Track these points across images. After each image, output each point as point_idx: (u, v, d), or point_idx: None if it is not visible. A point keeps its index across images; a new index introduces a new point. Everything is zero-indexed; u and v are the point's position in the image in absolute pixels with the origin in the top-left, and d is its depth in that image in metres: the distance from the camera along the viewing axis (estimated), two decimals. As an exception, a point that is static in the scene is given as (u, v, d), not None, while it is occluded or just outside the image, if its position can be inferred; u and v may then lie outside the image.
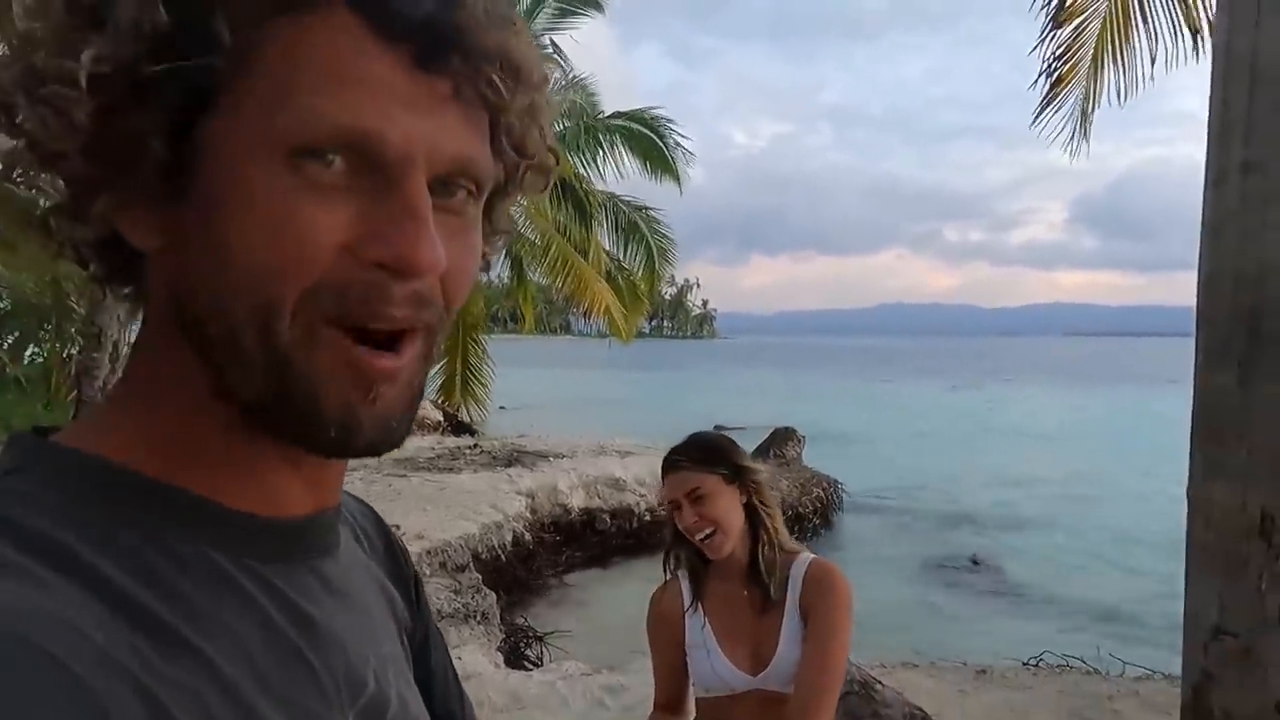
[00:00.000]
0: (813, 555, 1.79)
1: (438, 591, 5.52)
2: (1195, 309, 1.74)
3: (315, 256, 0.40)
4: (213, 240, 0.40)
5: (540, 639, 6.26)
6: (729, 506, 1.71)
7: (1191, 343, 1.77)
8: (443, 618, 5.18)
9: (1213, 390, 1.66)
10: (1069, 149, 6.16)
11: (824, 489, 11.87)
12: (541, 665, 5.47)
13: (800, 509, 10.66)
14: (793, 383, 49.46)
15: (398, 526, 7.26)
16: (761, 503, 1.76)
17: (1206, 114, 1.68)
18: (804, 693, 1.60)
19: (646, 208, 21.86)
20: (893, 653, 5.82)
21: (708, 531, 1.70)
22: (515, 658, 5.77)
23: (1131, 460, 18.95)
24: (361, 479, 9.36)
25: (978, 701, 4.45)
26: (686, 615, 1.80)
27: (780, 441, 12.29)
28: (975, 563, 10.28)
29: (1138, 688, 4.73)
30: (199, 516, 0.43)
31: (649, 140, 20.19)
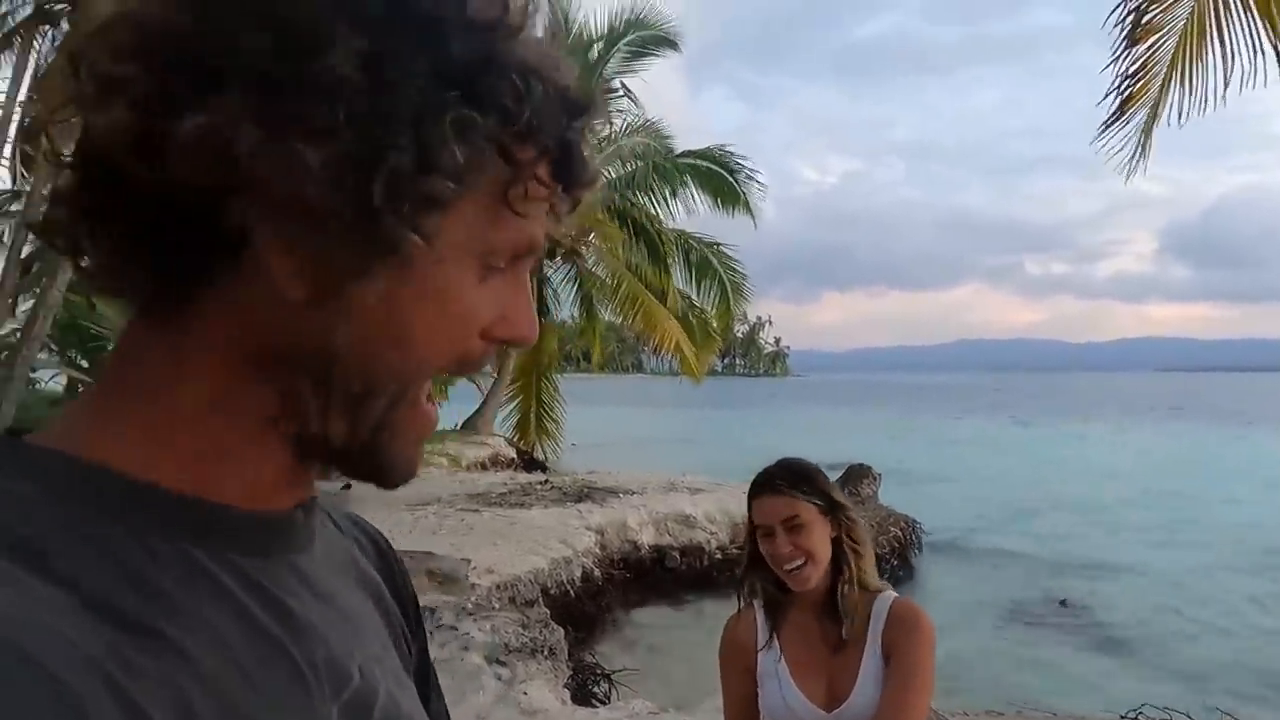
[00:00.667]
0: (895, 594, 1.74)
1: (505, 625, 5.52)
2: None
3: (470, 343, 0.46)
4: (393, 318, 0.43)
5: (608, 677, 6.19)
6: (821, 538, 1.68)
7: None
8: (510, 651, 5.18)
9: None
10: (1128, 169, 5.91)
11: (901, 529, 11.49)
12: (609, 703, 5.39)
13: (877, 550, 10.28)
14: (865, 420, 48.41)
15: (469, 560, 7.35)
16: (851, 540, 1.72)
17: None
18: None
19: (718, 244, 21.92)
20: (977, 700, 5.55)
21: (799, 563, 1.66)
22: (582, 695, 5.71)
23: (1226, 500, 17.84)
24: (435, 513, 9.50)
25: (1069, 753, 4.19)
26: (760, 645, 1.75)
27: (855, 479, 11.98)
28: (1064, 606, 9.77)
29: (1247, 744, 4.37)
30: (178, 513, 0.43)
31: (720, 177, 20.32)
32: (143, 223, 0.41)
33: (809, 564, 1.66)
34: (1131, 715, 5.31)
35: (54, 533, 0.39)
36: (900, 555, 11.11)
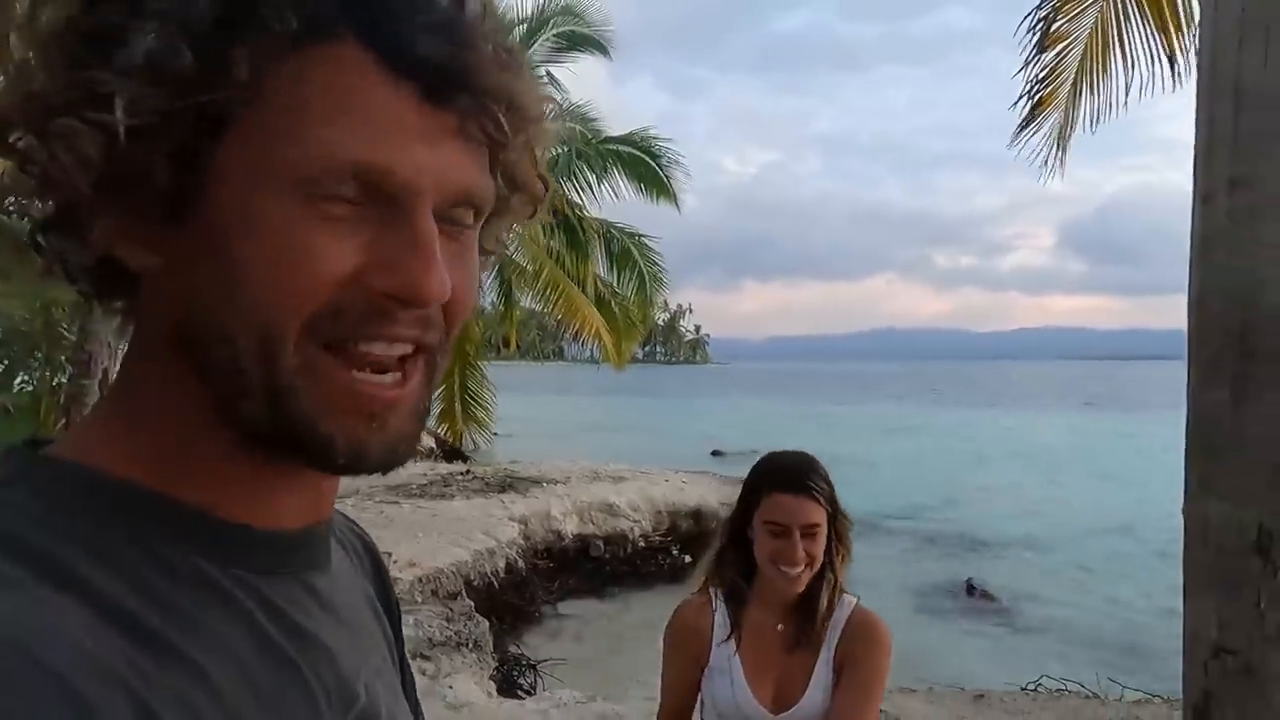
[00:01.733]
0: (855, 600, 1.71)
1: (429, 620, 5.45)
2: (1187, 328, 1.74)
3: (320, 285, 0.40)
4: (219, 266, 0.40)
5: (534, 667, 6.19)
6: (824, 544, 1.62)
7: (1178, 365, 1.76)
8: (434, 645, 5.12)
9: (1206, 408, 1.66)
10: (1045, 172, 6.33)
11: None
12: (535, 694, 5.39)
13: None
14: (782, 407, 49.44)
15: (389, 554, 7.22)
16: (842, 545, 1.68)
17: (1193, 134, 1.70)
18: None
19: (639, 234, 21.98)
20: (891, 678, 5.75)
21: (801, 569, 1.60)
22: (509, 686, 5.69)
23: (1124, 483, 18.97)
24: (354, 505, 9.28)
25: (976, 727, 4.40)
26: (717, 639, 1.69)
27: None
28: (972, 587, 10.23)
29: (1138, 712, 4.68)
30: (192, 528, 0.43)
31: (643, 163, 20.32)
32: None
33: (808, 570, 1.60)
34: (1031, 686, 5.60)
35: (68, 544, 0.39)
36: (818, 540, 11.40)
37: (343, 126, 0.39)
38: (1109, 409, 48.31)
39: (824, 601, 1.64)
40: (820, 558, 1.61)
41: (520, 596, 8.14)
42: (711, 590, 1.74)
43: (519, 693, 5.61)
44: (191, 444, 0.43)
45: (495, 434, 22.07)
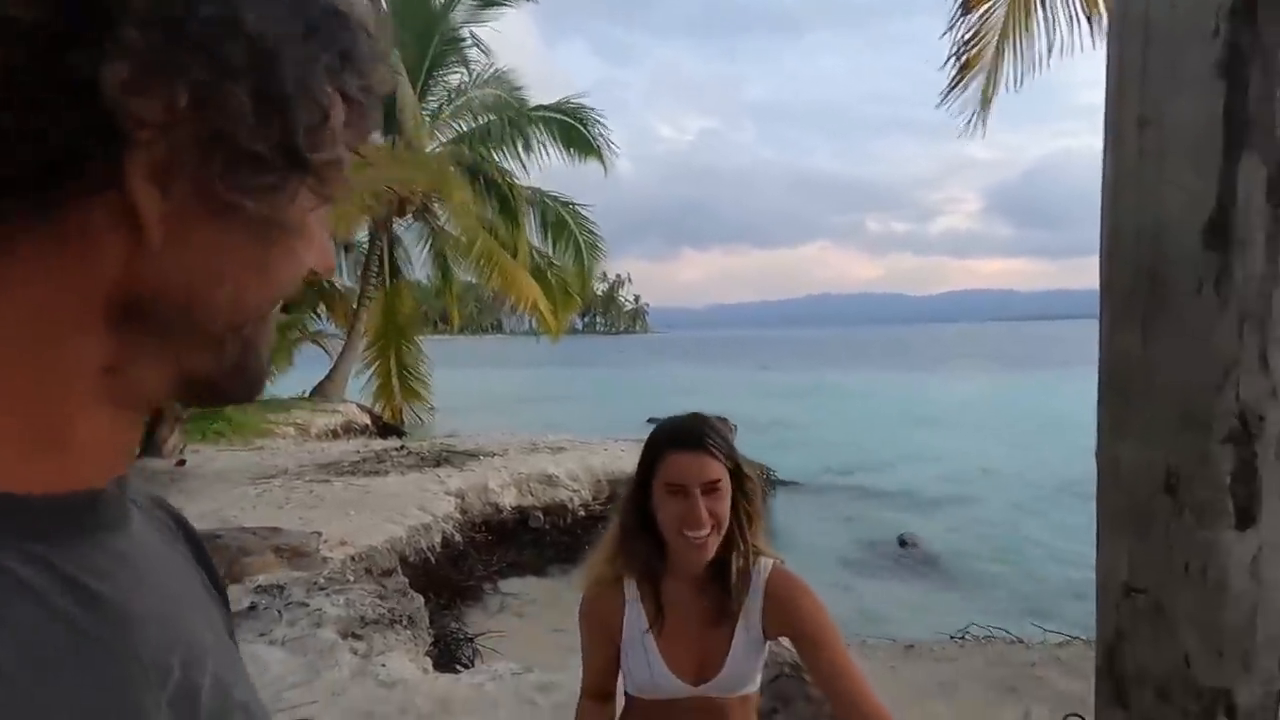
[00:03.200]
0: (772, 560, 1.64)
1: (361, 597, 5.33)
2: (1099, 271, 1.74)
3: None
4: (259, 255, 0.45)
5: (471, 641, 6.12)
6: (728, 504, 1.55)
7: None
8: (366, 624, 5.00)
9: (1117, 350, 1.66)
10: (971, 131, 6.56)
11: (756, 474, 11.94)
12: (472, 669, 5.33)
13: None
14: (722, 375, 49.91)
15: (319, 533, 7.03)
16: (748, 506, 1.61)
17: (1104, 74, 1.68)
18: (858, 708, 1.48)
19: (573, 203, 21.70)
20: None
21: (707, 531, 1.52)
22: (446, 661, 5.62)
23: (1050, 437, 19.70)
24: (282, 486, 9.02)
25: (906, 676, 4.51)
26: (627, 616, 1.64)
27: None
28: (903, 543, 10.50)
29: (1059, 653, 4.87)
30: None
31: (573, 128, 19.98)
32: None
33: (714, 533, 1.53)
34: (959, 636, 5.78)
35: None
36: (755, 502, 11.55)
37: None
38: (1035, 367, 50.06)
39: (735, 568, 1.59)
40: (725, 518, 1.55)
41: (458, 571, 8.04)
42: (619, 569, 1.67)
43: (457, 668, 5.54)
44: (26, 406, 0.41)
45: (433, 409, 21.83)
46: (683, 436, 1.57)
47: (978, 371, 50.24)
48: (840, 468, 16.12)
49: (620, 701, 1.79)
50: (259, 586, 5.65)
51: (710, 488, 1.52)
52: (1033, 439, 19.83)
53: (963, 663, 4.78)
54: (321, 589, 5.56)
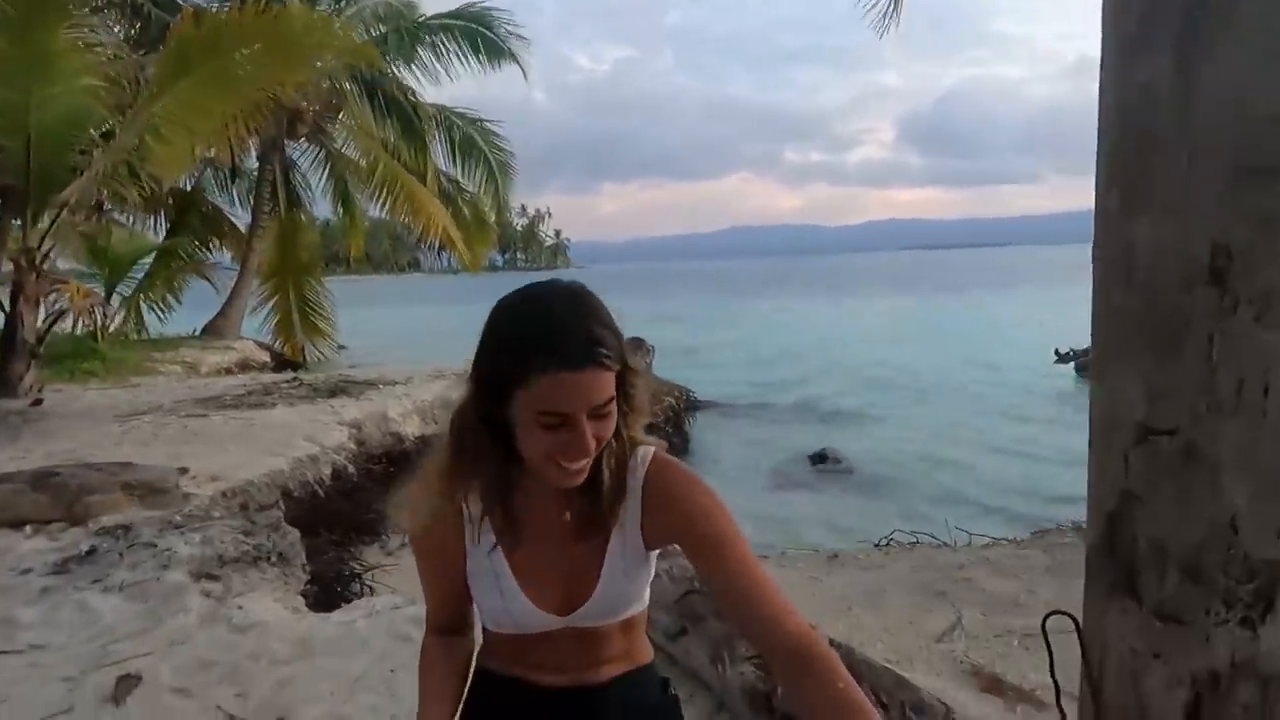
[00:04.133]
0: (651, 449, 1.26)
1: (221, 535, 4.67)
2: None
3: None
4: None
5: (359, 577, 5.55)
6: (615, 419, 1.16)
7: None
8: (225, 563, 4.37)
9: (1135, 86, 1.14)
10: (883, 28, 6.44)
11: (676, 397, 11.60)
12: (352, 603, 4.76)
13: (652, 419, 10.29)
14: (640, 306, 49.58)
15: (185, 469, 6.26)
16: (630, 402, 1.19)
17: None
18: (772, 628, 1.12)
19: (482, 120, 20.44)
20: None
21: (590, 459, 1.14)
22: (328, 598, 5.04)
23: (957, 356, 19.98)
24: (151, 422, 8.14)
25: (831, 586, 4.15)
26: (469, 539, 1.26)
27: (628, 352, 11.86)
28: (824, 458, 10.30)
29: (987, 554, 4.60)
30: None
31: (479, 34, 18.65)
32: None
33: (594, 452, 1.14)
34: (884, 542, 5.50)
35: None
36: (674, 422, 11.21)
37: None
38: (948, 292, 51.22)
39: (607, 470, 1.21)
40: (610, 434, 1.16)
41: (352, 504, 7.40)
42: (454, 486, 1.24)
43: (340, 604, 4.96)
44: None
45: (343, 347, 20.73)
46: (568, 349, 1.09)
47: (896, 295, 51.10)
48: (761, 387, 15.92)
49: (480, 634, 1.41)
50: (103, 528, 4.93)
51: (599, 411, 1.11)
52: (950, 358, 20.07)
53: (889, 570, 4.46)
54: (177, 528, 4.87)
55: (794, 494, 9.16)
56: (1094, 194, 1.25)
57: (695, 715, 2.74)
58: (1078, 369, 15.51)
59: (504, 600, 1.28)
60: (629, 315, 1.25)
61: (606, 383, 1.11)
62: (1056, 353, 16.03)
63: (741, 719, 2.68)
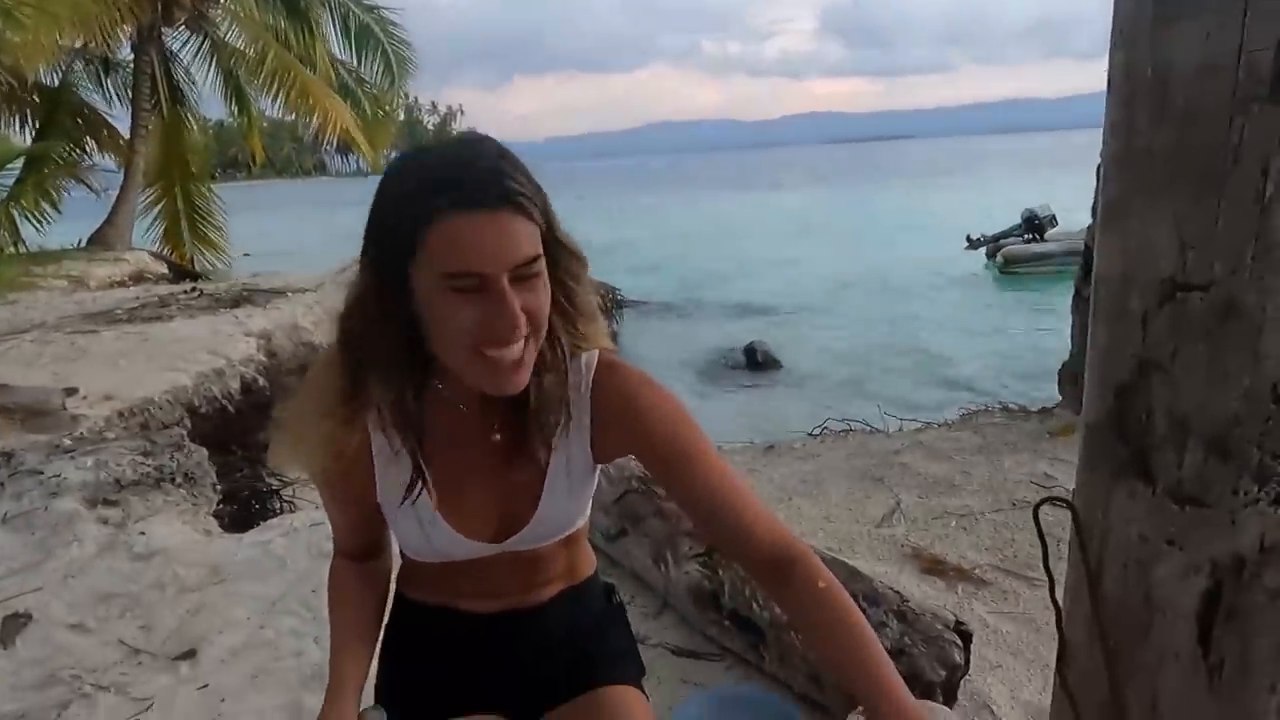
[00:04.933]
0: (594, 355, 1.09)
1: (117, 457, 4.31)
2: None
3: None
4: None
5: (276, 493, 5.27)
6: (548, 296, 0.95)
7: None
8: (123, 487, 4.03)
9: None
10: None
11: (601, 295, 11.35)
12: (268, 521, 4.51)
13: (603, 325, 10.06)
14: (564, 205, 48.57)
15: (74, 390, 5.77)
16: (568, 291, 1.01)
17: None
18: (732, 520, 1.03)
19: (378, 7, 18.99)
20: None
21: (523, 345, 0.92)
22: (244, 518, 4.76)
23: (871, 245, 20.19)
24: (34, 340, 7.49)
25: (768, 477, 4.10)
26: (379, 463, 1.07)
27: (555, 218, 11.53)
28: (753, 350, 10.30)
29: (920, 438, 4.61)
30: None
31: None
32: None
33: (531, 343, 0.94)
34: (817, 431, 5.49)
35: None
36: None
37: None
38: (868, 184, 51.55)
39: (545, 378, 1.02)
40: (545, 317, 0.94)
41: (266, 419, 7.01)
42: (355, 409, 1.01)
43: (259, 523, 4.70)
44: None
45: (246, 254, 19.57)
46: (472, 185, 0.86)
47: (816, 188, 51.19)
48: (686, 285, 15.78)
49: (398, 554, 1.24)
50: (-20, 457, 4.49)
51: (523, 271, 0.89)
52: (864, 248, 20.25)
53: (825, 458, 4.43)
54: (66, 452, 4.48)
55: (724, 389, 9.16)
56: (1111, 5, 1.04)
57: (639, 618, 2.63)
58: (988, 254, 15.92)
59: (425, 531, 1.10)
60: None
61: (527, 235, 0.89)
62: (968, 239, 16.36)
63: (688, 618, 2.59)
